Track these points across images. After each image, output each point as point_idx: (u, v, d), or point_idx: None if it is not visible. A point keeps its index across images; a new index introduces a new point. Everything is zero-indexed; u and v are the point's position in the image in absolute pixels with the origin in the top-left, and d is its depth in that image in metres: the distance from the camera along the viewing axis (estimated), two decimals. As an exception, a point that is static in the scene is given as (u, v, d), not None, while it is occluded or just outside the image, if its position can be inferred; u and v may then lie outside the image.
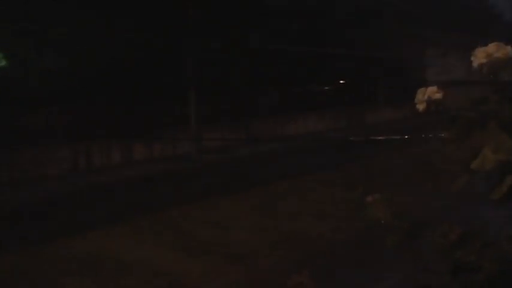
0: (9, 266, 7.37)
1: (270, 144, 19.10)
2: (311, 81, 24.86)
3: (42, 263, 7.46)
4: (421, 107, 1.51)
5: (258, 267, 7.17)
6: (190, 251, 7.81)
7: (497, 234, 1.33)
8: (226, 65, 19.44)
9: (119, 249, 7.97)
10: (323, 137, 21.53)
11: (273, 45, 20.36)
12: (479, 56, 1.39)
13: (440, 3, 29.82)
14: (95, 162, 15.57)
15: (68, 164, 14.90)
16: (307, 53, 21.85)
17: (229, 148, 18.03)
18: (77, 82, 15.58)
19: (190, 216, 9.78)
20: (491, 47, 1.37)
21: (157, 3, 16.90)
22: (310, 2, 22.10)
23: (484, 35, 25.96)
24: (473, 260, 1.28)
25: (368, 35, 24.80)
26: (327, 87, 26.96)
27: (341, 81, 28.06)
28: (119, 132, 16.48)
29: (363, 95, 27.81)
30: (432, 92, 1.48)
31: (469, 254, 1.29)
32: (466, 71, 24.78)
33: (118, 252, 7.83)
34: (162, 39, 17.13)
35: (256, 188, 11.86)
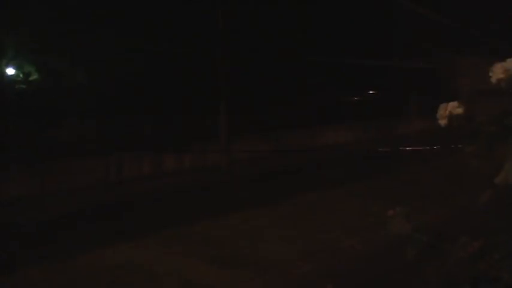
0: (43, 278, 7.52)
1: (299, 156, 19.07)
2: (341, 91, 24.78)
3: (76, 274, 7.61)
4: (443, 122, 1.54)
5: (287, 279, 7.18)
6: (220, 262, 7.86)
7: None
8: (257, 76, 19.54)
9: (149, 260, 8.07)
10: (352, 149, 21.40)
11: (304, 56, 20.40)
12: (497, 72, 1.41)
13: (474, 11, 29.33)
14: (125, 174, 15.77)
15: (99, 175, 15.12)
16: (339, 64, 21.80)
17: (258, 159, 18.08)
18: (108, 95, 15.88)
19: (220, 227, 9.84)
20: (509, 63, 1.39)
21: (187, 14, 17.13)
22: (342, 13, 22.09)
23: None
24: (492, 271, 1.30)
25: (399, 45, 24.64)
26: (357, 98, 26.83)
27: (371, 92, 27.89)
28: (150, 144, 16.70)
29: (394, 105, 27.55)
30: (453, 107, 1.51)
31: (488, 265, 1.31)
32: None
33: (149, 263, 7.93)
34: (194, 52, 17.33)
35: (285, 199, 11.87)
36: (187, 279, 7.27)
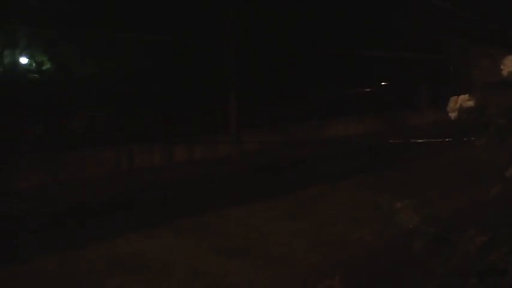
0: (55, 267, 7.60)
1: (309, 148, 19.05)
2: (352, 83, 24.68)
3: (87, 263, 7.68)
4: (453, 115, 1.53)
5: (295, 270, 7.20)
6: (229, 253, 7.90)
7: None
8: (266, 68, 19.51)
9: (159, 251, 8.13)
10: (363, 140, 21.33)
11: (314, 47, 20.34)
12: (509, 64, 1.41)
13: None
14: (136, 164, 15.84)
15: (110, 166, 15.20)
16: (349, 55, 21.72)
17: (268, 151, 18.08)
18: (119, 86, 15.93)
19: (229, 219, 9.87)
20: (521, 55, 1.39)
21: (197, 5, 17.12)
22: (353, 5, 21.98)
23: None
24: (500, 264, 1.30)
25: (411, 36, 24.50)
26: (367, 90, 26.72)
27: (382, 83, 27.76)
28: (160, 135, 16.76)
29: (405, 97, 27.43)
30: (464, 100, 1.50)
31: (496, 258, 1.31)
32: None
33: (159, 253, 7.99)
34: (203, 43, 17.34)
35: (295, 191, 11.87)
36: (197, 269, 7.31)
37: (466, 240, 1.37)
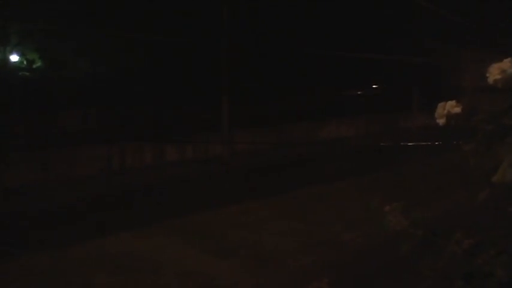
0: (46, 265, 7.58)
1: (301, 149, 19.06)
2: (344, 86, 24.74)
3: (78, 262, 7.66)
4: (441, 121, 1.55)
5: (286, 271, 7.23)
6: (220, 253, 7.92)
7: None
8: (259, 69, 19.51)
9: (150, 250, 8.13)
10: (354, 142, 21.40)
11: (308, 49, 20.34)
12: (494, 72, 1.43)
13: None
14: (128, 164, 15.78)
15: (102, 165, 15.13)
16: (341, 58, 21.75)
17: (260, 152, 18.08)
18: (112, 85, 15.88)
19: (220, 218, 9.89)
20: (505, 63, 1.42)
21: (191, 6, 17.10)
22: (345, 8, 22.04)
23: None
24: (486, 267, 1.33)
25: (403, 40, 24.58)
26: (360, 93, 26.78)
27: (374, 86, 27.84)
28: (152, 135, 16.72)
29: (397, 100, 27.52)
30: (451, 106, 1.53)
31: (482, 261, 1.34)
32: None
33: (149, 253, 7.99)
34: (197, 44, 17.31)
35: (286, 191, 11.88)
36: (187, 269, 7.32)
37: (453, 244, 1.40)
